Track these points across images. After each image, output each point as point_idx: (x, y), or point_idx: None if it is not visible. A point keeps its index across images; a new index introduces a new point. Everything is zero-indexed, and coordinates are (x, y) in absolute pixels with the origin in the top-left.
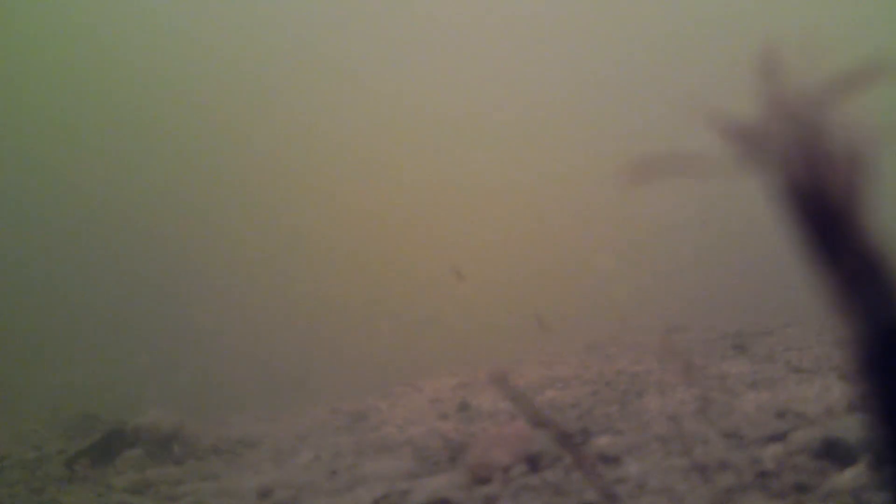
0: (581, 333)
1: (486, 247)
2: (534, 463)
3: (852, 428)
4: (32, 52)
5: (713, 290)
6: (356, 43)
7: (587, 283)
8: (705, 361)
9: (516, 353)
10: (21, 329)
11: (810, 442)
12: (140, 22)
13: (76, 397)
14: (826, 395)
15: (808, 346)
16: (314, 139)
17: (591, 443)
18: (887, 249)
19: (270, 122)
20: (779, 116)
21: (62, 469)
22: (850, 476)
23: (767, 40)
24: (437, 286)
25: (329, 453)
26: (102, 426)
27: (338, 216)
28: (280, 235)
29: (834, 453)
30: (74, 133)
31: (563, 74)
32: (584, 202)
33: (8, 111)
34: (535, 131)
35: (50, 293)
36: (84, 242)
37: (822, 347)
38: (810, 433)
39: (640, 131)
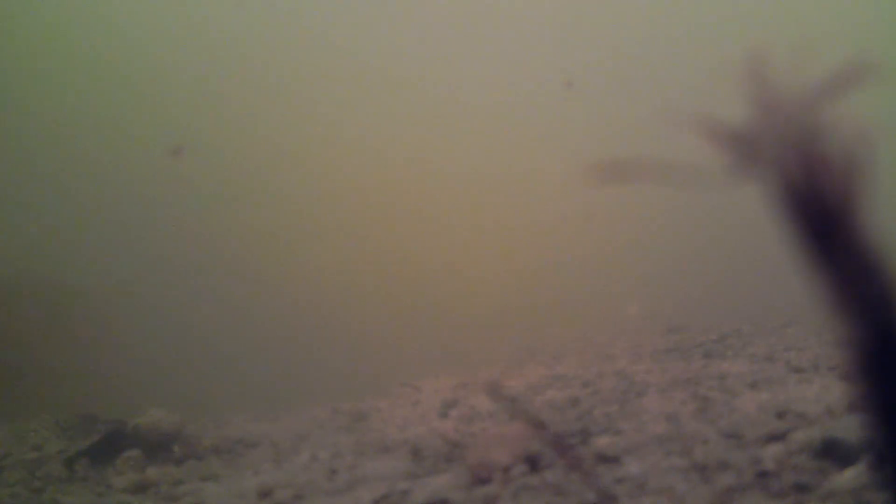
0: (581, 333)
1: (486, 247)
2: (534, 463)
3: (852, 428)
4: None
5: (712, 290)
6: (361, 38)
7: (587, 283)
8: (705, 361)
9: (516, 353)
10: (20, 327)
11: (810, 442)
12: (146, 17)
13: (76, 397)
14: (826, 394)
15: (808, 345)
16: (315, 138)
17: (590, 443)
18: (884, 249)
19: (276, 116)
20: (771, 119)
21: (62, 469)
22: (851, 476)
23: (757, 43)
24: (437, 286)
25: (329, 453)
26: (102, 426)
27: (338, 216)
28: (280, 235)
29: (834, 453)
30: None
31: (557, 76)
32: (585, 202)
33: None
34: (535, 132)
35: (47, 290)
36: (83, 239)
37: (821, 347)
38: (810, 433)
39: (632, 132)
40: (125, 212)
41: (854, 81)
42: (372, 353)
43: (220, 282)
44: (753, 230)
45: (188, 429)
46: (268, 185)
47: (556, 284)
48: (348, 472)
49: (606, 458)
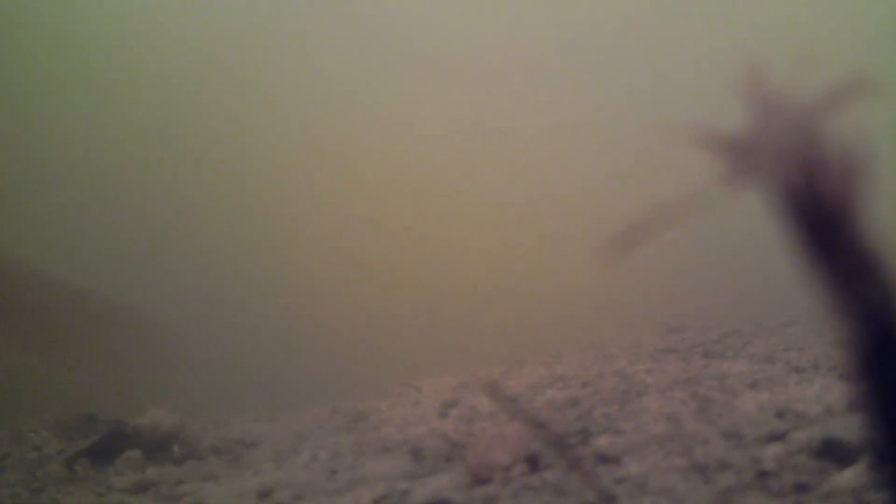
0: (581, 333)
1: (486, 248)
2: (534, 463)
3: (852, 428)
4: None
5: (712, 290)
6: (358, 45)
7: (587, 283)
8: (705, 361)
9: (516, 353)
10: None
11: (810, 442)
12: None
13: (76, 397)
14: (826, 394)
15: (808, 345)
16: (316, 141)
17: (590, 443)
18: (883, 252)
19: (273, 123)
20: (771, 126)
21: (62, 469)
22: (850, 476)
23: (757, 49)
24: (437, 287)
25: (329, 453)
26: (102, 426)
27: (338, 216)
28: (279, 235)
29: (834, 453)
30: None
31: (555, 83)
32: (584, 201)
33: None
34: (534, 134)
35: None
36: (83, 241)
37: (821, 347)
38: (810, 433)
39: (631, 135)
40: (127, 210)
41: (855, 91)
42: (372, 353)
43: (219, 282)
44: (753, 230)
45: (188, 429)
46: (265, 186)
47: (557, 284)
48: (348, 473)
49: (606, 458)
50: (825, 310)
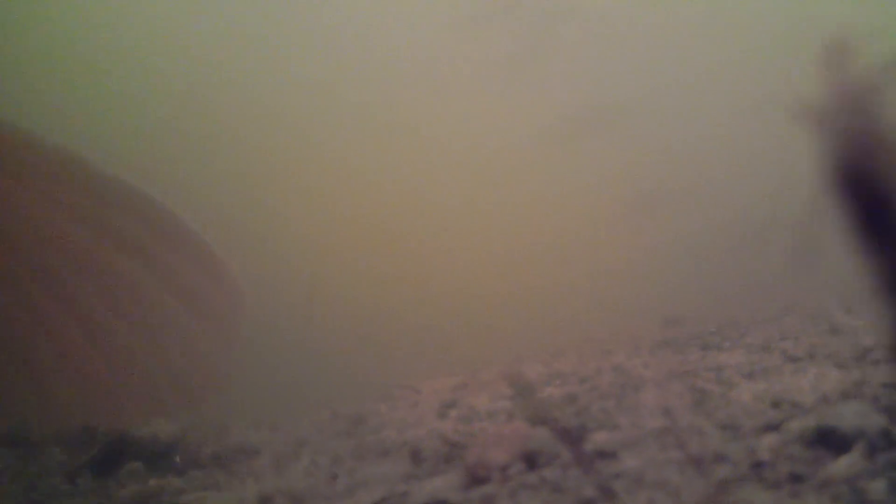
0: (579, 329)
1: (485, 246)
2: (532, 461)
3: (847, 416)
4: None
5: (708, 281)
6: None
7: (586, 278)
8: (702, 353)
9: (516, 352)
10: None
11: (805, 431)
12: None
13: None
14: (821, 383)
15: (804, 334)
16: (316, 139)
17: (588, 438)
18: None
19: (273, 122)
20: (840, 104)
21: (64, 482)
22: (845, 464)
23: (833, 30)
24: (437, 287)
25: (328, 458)
26: (103, 437)
27: (334, 216)
28: (278, 235)
29: (829, 442)
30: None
31: (591, 68)
32: (584, 199)
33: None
34: (536, 130)
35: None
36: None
37: (816, 335)
38: (805, 422)
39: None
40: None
41: None
42: (371, 355)
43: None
44: (748, 217)
45: (189, 438)
46: (270, 186)
47: (556, 281)
48: (348, 477)
49: (604, 454)
50: (874, 290)
